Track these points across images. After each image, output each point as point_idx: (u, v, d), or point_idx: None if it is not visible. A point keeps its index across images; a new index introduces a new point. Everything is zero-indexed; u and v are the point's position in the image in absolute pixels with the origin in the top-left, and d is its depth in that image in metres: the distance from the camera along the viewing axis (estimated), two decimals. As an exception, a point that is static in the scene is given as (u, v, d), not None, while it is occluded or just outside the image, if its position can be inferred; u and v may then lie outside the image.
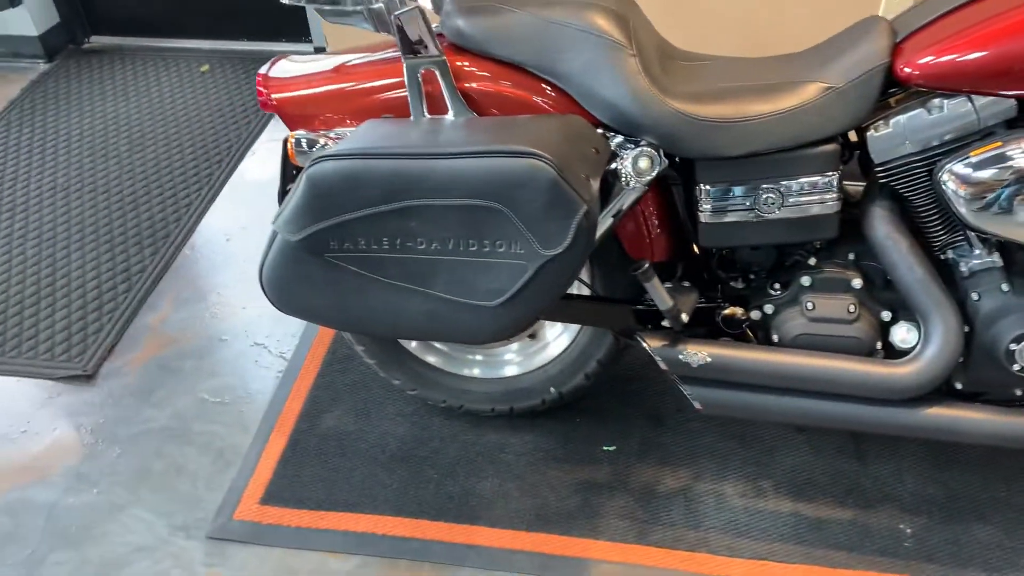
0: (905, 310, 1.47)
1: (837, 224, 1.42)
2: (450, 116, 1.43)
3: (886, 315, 1.49)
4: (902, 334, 1.47)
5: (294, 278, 1.38)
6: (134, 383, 2.04)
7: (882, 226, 1.40)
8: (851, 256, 1.50)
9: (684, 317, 1.46)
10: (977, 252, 1.39)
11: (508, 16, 1.42)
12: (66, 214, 2.56)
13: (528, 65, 1.42)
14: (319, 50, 3.22)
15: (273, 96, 1.52)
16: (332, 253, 1.34)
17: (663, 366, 1.51)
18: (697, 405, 1.54)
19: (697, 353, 1.49)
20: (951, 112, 1.31)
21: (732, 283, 1.59)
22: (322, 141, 1.50)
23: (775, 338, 1.52)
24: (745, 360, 1.48)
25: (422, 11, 1.38)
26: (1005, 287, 1.39)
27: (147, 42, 3.53)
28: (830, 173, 1.38)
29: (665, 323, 1.50)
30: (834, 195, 1.39)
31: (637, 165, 1.37)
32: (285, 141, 1.56)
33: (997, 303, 1.40)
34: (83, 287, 2.29)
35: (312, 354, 2.06)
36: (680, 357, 1.49)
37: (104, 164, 2.78)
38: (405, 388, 1.82)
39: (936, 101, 1.32)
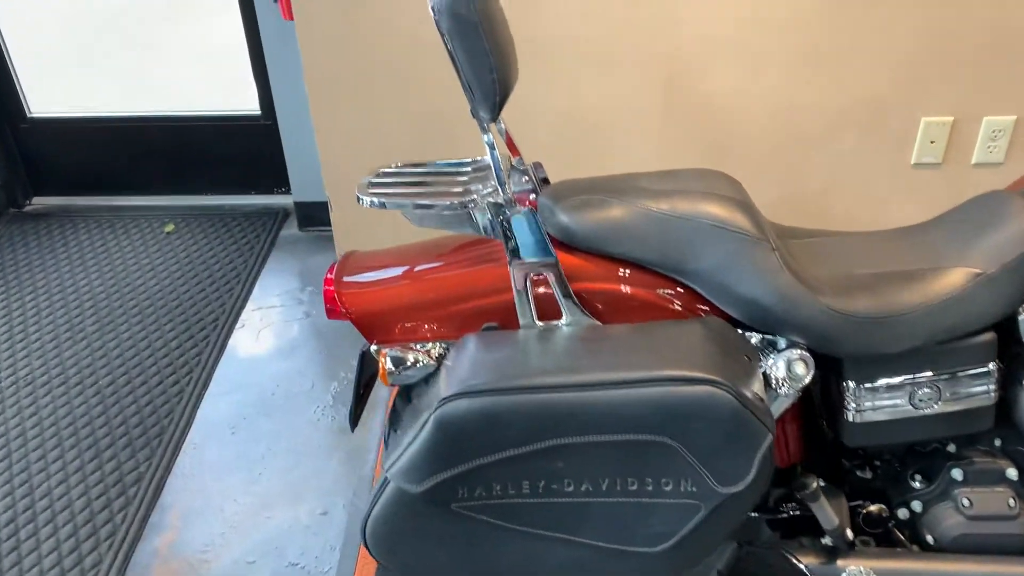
0: (1063, 497, 1.36)
1: (994, 414, 1.31)
2: (564, 322, 1.27)
3: (1044, 504, 1.37)
4: (1068, 526, 1.36)
5: (410, 532, 1.18)
6: (150, 629, 1.72)
7: (1035, 411, 1.30)
8: (997, 443, 1.39)
9: (849, 534, 1.31)
10: None
11: (620, 210, 1.28)
12: (35, 415, 2.24)
13: (647, 262, 1.28)
14: (300, 204, 3.02)
15: (351, 308, 1.33)
16: (460, 503, 1.14)
17: (821, 587, 1.34)
18: (860, 627, 1.36)
19: (860, 570, 1.33)
20: (1110, 291, 1.24)
21: (858, 472, 1.45)
22: (411, 358, 1.31)
23: (929, 539, 1.37)
24: (915, 573, 1.32)
25: (534, 213, 1.24)
26: None
27: (98, 200, 3.27)
28: (989, 363, 1.28)
29: (826, 540, 1.34)
30: (993, 385, 1.29)
31: (793, 370, 1.23)
32: (362, 356, 1.36)
33: None
34: (70, 508, 1.96)
35: (360, 571, 1.79)
36: (843, 576, 1.33)
37: (72, 349, 2.48)
38: (488, 614, 1.58)
39: (1090, 279, 1.25)
